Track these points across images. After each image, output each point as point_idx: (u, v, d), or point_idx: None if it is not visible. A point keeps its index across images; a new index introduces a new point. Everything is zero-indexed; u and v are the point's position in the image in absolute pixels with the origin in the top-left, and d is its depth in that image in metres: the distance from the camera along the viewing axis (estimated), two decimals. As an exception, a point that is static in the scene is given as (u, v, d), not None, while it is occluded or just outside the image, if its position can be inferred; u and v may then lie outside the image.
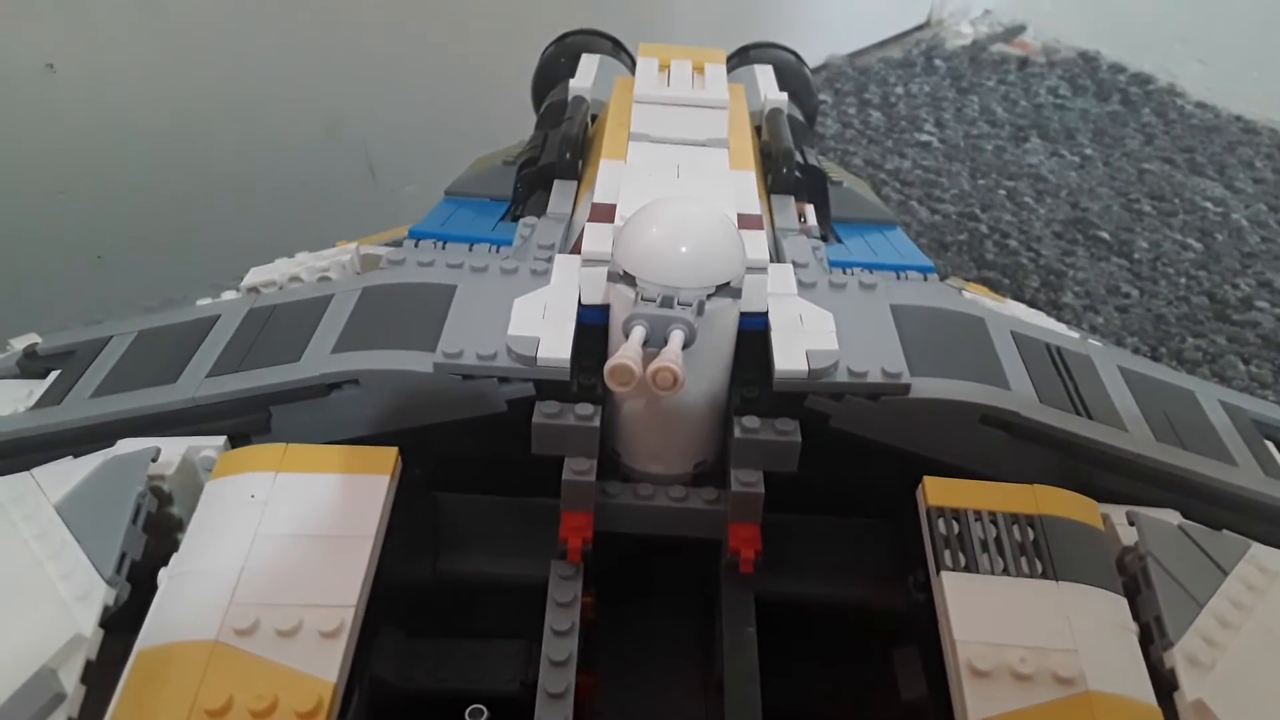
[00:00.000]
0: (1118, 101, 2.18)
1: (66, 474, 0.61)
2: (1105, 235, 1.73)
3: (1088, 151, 1.99)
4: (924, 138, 2.02)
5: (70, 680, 0.50)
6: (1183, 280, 1.63)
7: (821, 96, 2.09)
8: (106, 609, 0.54)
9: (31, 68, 1.24)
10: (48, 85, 1.25)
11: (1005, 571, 0.57)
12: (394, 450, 0.62)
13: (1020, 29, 2.46)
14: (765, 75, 1.11)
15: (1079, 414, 0.68)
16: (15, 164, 1.26)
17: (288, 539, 0.56)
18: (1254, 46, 2.29)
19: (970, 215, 1.78)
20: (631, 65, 1.14)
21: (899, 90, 2.19)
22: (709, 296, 0.60)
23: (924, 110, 2.12)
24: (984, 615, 0.55)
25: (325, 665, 0.51)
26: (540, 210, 0.85)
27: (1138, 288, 1.61)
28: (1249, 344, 1.49)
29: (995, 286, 1.53)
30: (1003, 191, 1.86)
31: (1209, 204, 1.83)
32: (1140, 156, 1.98)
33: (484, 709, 0.58)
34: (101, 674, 0.52)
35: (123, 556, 0.56)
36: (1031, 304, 1.24)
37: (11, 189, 1.27)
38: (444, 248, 0.79)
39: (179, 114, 1.36)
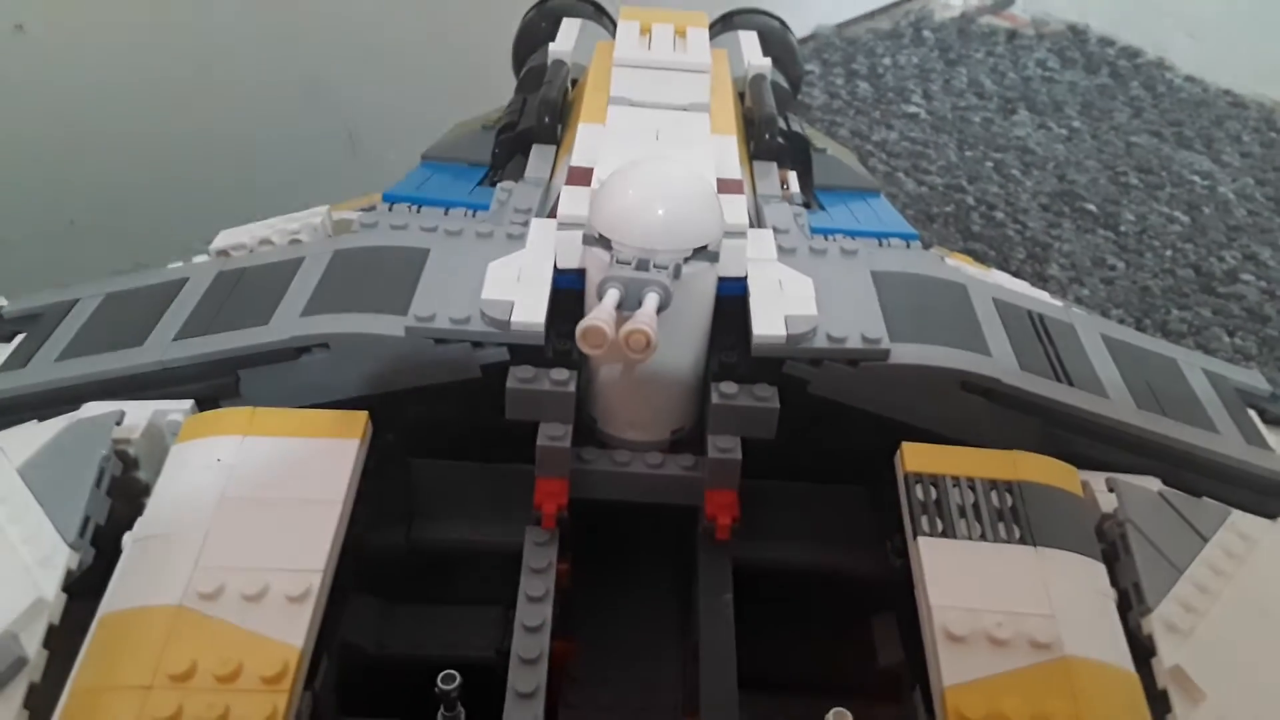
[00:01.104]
0: (1106, 74, 2.17)
1: (30, 437, 0.60)
2: (1092, 208, 1.73)
3: (1075, 124, 1.98)
4: (911, 109, 2.01)
5: (32, 645, 0.50)
6: (1169, 253, 1.63)
7: (809, 67, 2.07)
8: (69, 573, 0.53)
9: (0, 28, 1.21)
10: (17, 46, 1.22)
11: (983, 537, 0.57)
12: (364, 414, 0.61)
13: (1009, 1, 2.45)
14: (749, 41, 1.09)
15: (1060, 380, 0.68)
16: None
17: (254, 503, 0.55)
18: (1243, 20, 2.28)
19: (957, 187, 1.77)
20: (614, 30, 1.12)
21: (887, 61, 2.17)
22: (685, 260, 0.59)
23: (912, 82, 2.11)
24: (961, 580, 0.55)
25: (292, 630, 0.50)
26: (518, 175, 0.84)
27: (1124, 260, 1.61)
28: (1234, 316, 1.49)
29: (981, 258, 1.52)
30: (990, 163, 1.85)
31: (1196, 177, 1.82)
32: (1128, 129, 1.97)
33: (456, 674, 0.57)
34: (65, 639, 0.51)
35: (86, 520, 0.55)
36: (1017, 275, 1.23)
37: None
38: (418, 211, 0.77)
39: (153, 77, 1.34)
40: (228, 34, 1.38)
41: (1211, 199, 1.77)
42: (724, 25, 1.18)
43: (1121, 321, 1.43)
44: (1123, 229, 1.68)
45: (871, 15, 2.37)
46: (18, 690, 0.48)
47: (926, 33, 2.29)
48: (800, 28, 1.85)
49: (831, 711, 0.55)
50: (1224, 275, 1.57)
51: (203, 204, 1.28)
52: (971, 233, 1.66)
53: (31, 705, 0.48)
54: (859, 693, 0.63)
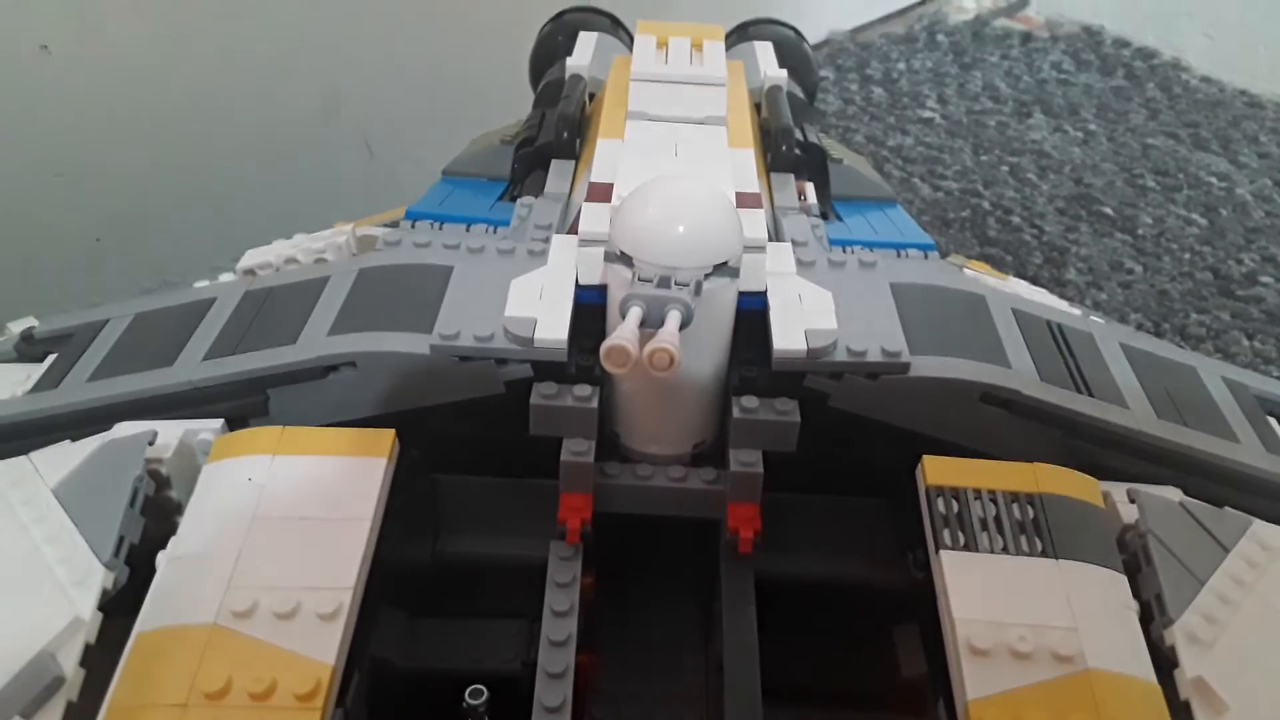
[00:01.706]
0: (1122, 76, 2.16)
1: (64, 458, 0.61)
2: (1109, 211, 1.72)
3: (1091, 127, 1.98)
4: (926, 114, 2.01)
5: (69, 664, 0.50)
6: (1187, 256, 1.62)
7: (823, 73, 2.08)
8: (105, 592, 0.54)
9: (26, 49, 1.23)
10: (43, 67, 1.24)
11: (1005, 550, 0.57)
12: (391, 432, 0.62)
13: (1023, 3, 2.44)
14: (765, 52, 1.10)
15: (1080, 391, 0.68)
16: (11, 146, 1.26)
17: (285, 521, 0.56)
18: (1260, 20, 2.27)
19: (973, 192, 1.77)
20: (630, 43, 1.13)
21: (901, 66, 2.17)
22: (706, 276, 0.60)
23: (926, 86, 2.11)
24: (983, 594, 0.55)
25: (324, 647, 0.51)
26: (538, 190, 0.84)
27: (1141, 264, 1.60)
28: (1253, 319, 1.48)
29: (998, 264, 1.52)
30: (1005, 168, 1.85)
31: (1213, 179, 1.82)
32: (1144, 131, 1.97)
33: (484, 689, 0.58)
34: (101, 657, 0.52)
35: (121, 540, 0.56)
36: (1034, 281, 1.24)
37: (8, 172, 1.27)
38: (441, 228, 0.78)
39: (175, 95, 1.35)
40: (246, 51, 1.39)
41: (1229, 200, 1.76)
42: (739, 36, 1.19)
43: (1140, 326, 1.43)
44: (1140, 232, 1.67)
45: (885, 19, 2.37)
46: (56, 709, 0.49)
47: (940, 36, 2.29)
48: (813, 33, 1.86)
49: None
50: (1243, 278, 1.57)
51: (224, 218, 1.30)
52: (988, 238, 1.66)
53: (70, 723, 0.49)
54: (881, 704, 0.63)
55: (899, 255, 0.79)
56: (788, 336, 0.64)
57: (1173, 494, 0.64)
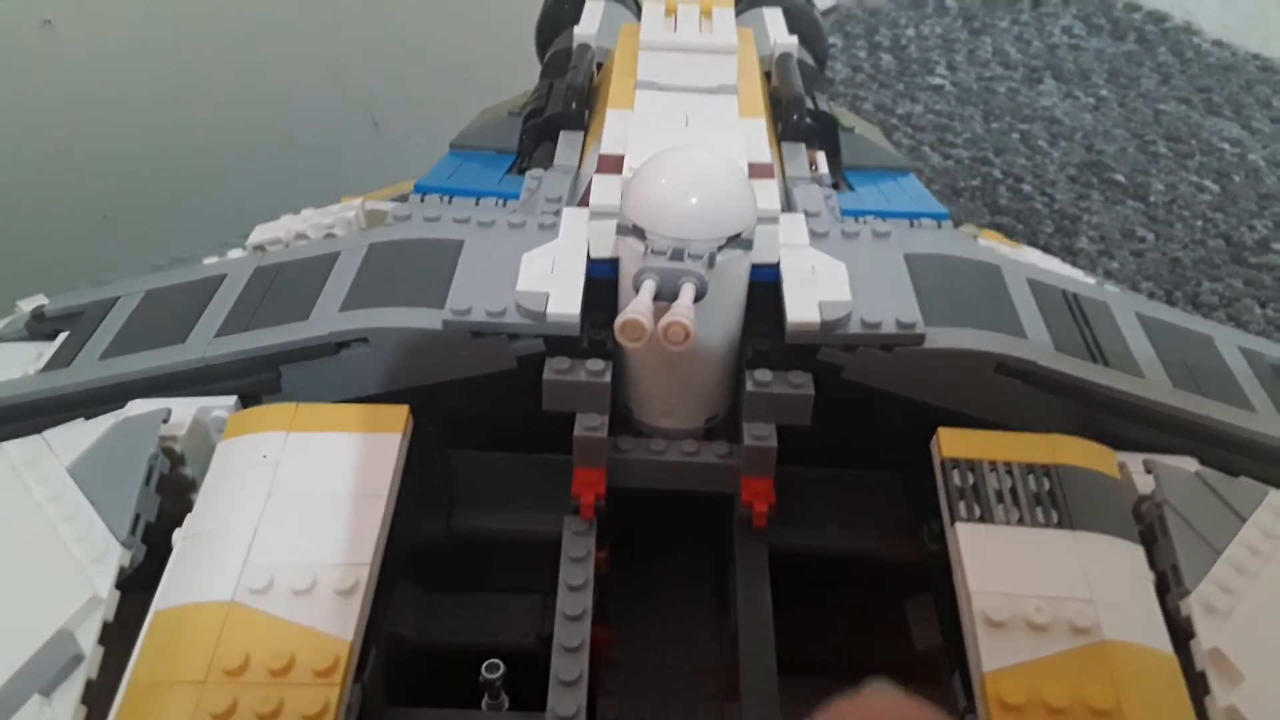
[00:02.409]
0: (1133, 40, 2.14)
1: (78, 436, 0.61)
2: (1120, 178, 1.71)
3: (1103, 93, 1.96)
4: (936, 81, 1.99)
5: (88, 641, 0.51)
6: (1199, 223, 1.61)
7: (831, 40, 2.05)
8: (122, 570, 0.54)
9: (29, 24, 1.22)
10: (46, 42, 1.23)
11: (1020, 522, 0.57)
12: (405, 408, 0.61)
13: (1034, -33, 2.41)
14: (774, 19, 1.08)
15: (1095, 362, 0.67)
16: (17, 124, 1.25)
17: (301, 498, 0.56)
18: (1273, -19, 2.24)
19: (983, 160, 1.76)
20: (637, 11, 1.11)
21: (910, 32, 2.15)
22: (720, 248, 0.59)
23: (936, 53, 2.09)
24: (999, 566, 0.55)
25: (341, 624, 0.51)
26: (547, 162, 0.84)
27: (1153, 231, 1.59)
28: (1266, 287, 1.47)
29: (1009, 232, 1.51)
30: (1016, 135, 1.83)
31: (1225, 145, 1.80)
32: (1156, 97, 1.95)
33: (500, 663, 0.58)
34: (119, 635, 0.52)
35: (137, 518, 0.56)
36: (1046, 250, 1.23)
37: (14, 149, 1.26)
38: (450, 202, 0.78)
39: (181, 70, 1.35)
40: (252, 25, 1.38)
41: (1241, 166, 1.74)
42: (748, 2, 1.18)
43: (1152, 295, 1.42)
44: (1152, 199, 1.66)
45: (894, -15, 2.34)
46: (75, 686, 0.49)
47: (949, 1, 2.26)
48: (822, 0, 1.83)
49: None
50: (1255, 245, 1.56)
51: (232, 194, 1.29)
52: (999, 206, 1.65)
53: (89, 701, 0.49)
54: (895, 675, 0.63)
55: (912, 225, 0.78)
56: (801, 309, 0.64)
57: (1189, 464, 0.63)
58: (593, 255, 0.66)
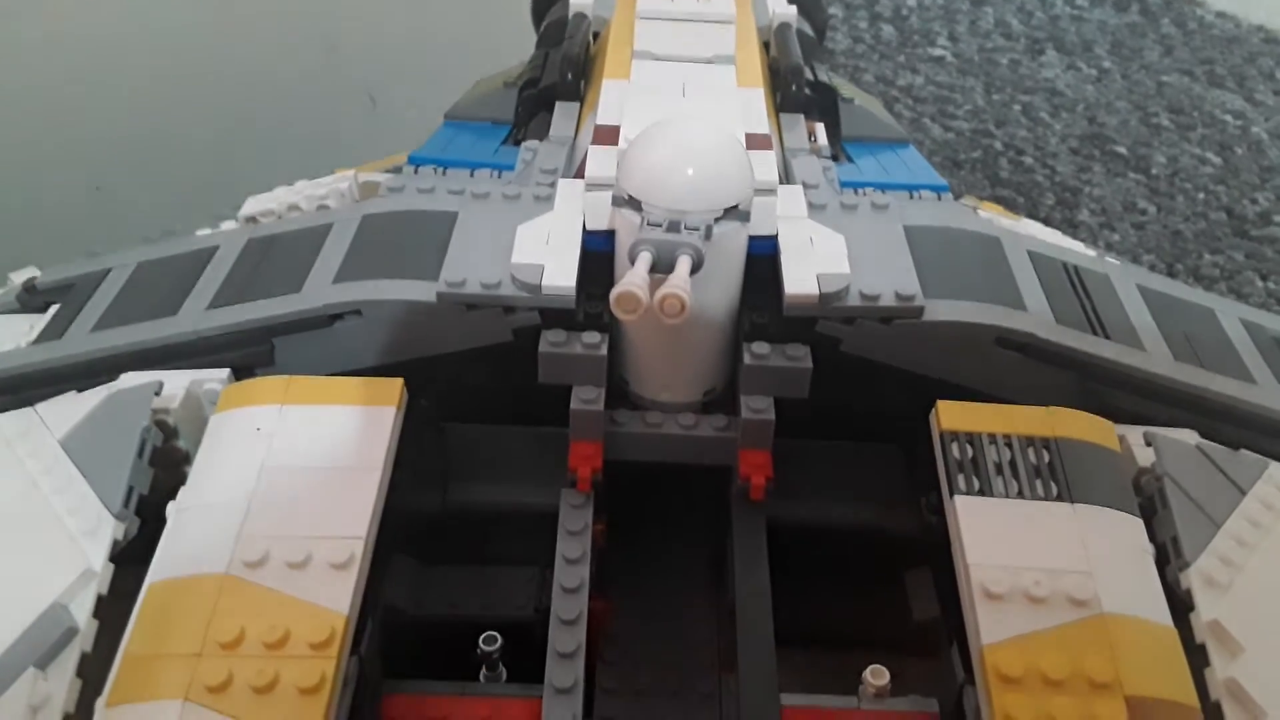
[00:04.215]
0: (1136, 12, 2.12)
1: (70, 409, 0.61)
2: (1122, 150, 1.70)
3: (1105, 64, 1.94)
4: (937, 52, 1.97)
5: (82, 615, 0.51)
6: (1201, 196, 1.60)
7: (831, 10, 2.04)
8: (116, 543, 0.54)
9: (19, -6, 1.21)
10: (39, 11, 1.22)
11: (1020, 495, 0.57)
12: (399, 381, 0.61)
13: (1036, -64, 2.38)
14: (773, -14, 1.07)
15: (1096, 334, 0.67)
16: (8, 95, 1.24)
17: (295, 471, 0.56)
18: (1278, -49, 2.22)
19: (984, 132, 1.74)
20: (635, -20, 1.10)
21: (911, 3, 2.13)
22: (717, 220, 0.58)
23: (937, 23, 2.07)
24: (998, 539, 0.55)
25: (337, 597, 0.51)
26: (542, 133, 0.83)
27: (1155, 204, 1.58)
28: (1267, 260, 1.47)
29: (1010, 205, 1.50)
30: (1018, 107, 1.82)
31: (1228, 117, 1.79)
32: (1159, 69, 1.93)
33: (498, 635, 0.58)
34: (113, 608, 0.52)
35: (130, 491, 0.56)
36: (1047, 222, 1.22)
37: (5, 121, 1.25)
38: (444, 173, 0.77)
39: (175, 40, 1.33)
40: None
41: (1244, 139, 1.73)
42: (747, -28, 1.16)
43: (1153, 268, 1.42)
44: (1154, 172, 1.65)
45: (894, -45, 2.32)
46: (70, 659, 0.49)
47: (951, -28, 2.24)
48: (822, -30, 1.81)
49: (869, 669, 0.56)
50: (1257, 218, 1.55)
51: (225, 165, 1.28)
52: (1000, 179, 1.64)
53: (84, 674, 0.49)
54: (894, 647, 0.63)
55: (912, 197, 0.78)
56: (799, 281, 0.63)
57: (1189, 437, 0.63)
58: (588, 227, 0.65)
